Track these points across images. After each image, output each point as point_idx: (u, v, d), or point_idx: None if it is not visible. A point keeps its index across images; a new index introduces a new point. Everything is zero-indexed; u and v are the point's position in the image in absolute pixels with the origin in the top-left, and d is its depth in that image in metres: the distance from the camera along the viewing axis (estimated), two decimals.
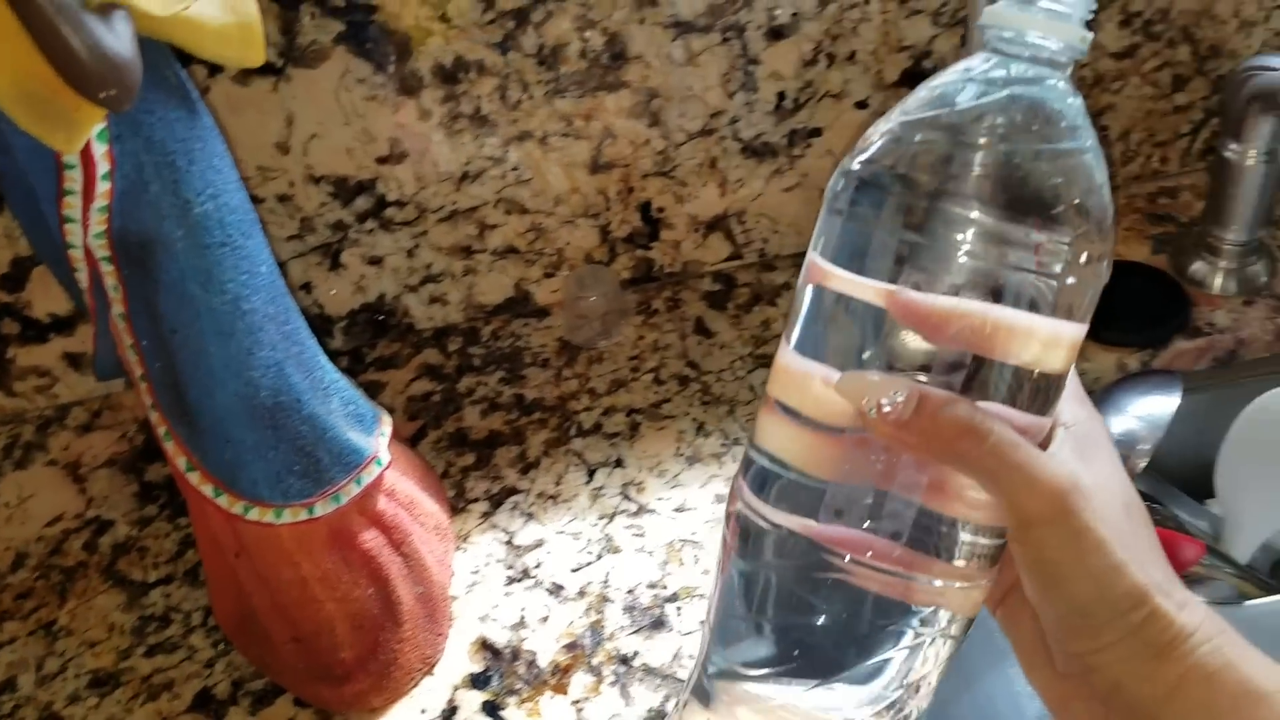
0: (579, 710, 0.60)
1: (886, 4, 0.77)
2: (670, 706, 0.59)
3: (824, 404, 0.35)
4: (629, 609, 0.65)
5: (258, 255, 0.52)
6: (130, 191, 0.47)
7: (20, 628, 0.69)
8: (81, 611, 0.70)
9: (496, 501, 0.73)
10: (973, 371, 0.33)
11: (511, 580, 0.68)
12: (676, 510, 0.71)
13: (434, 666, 0.63)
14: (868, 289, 0.34)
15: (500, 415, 0.80)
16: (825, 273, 0.35)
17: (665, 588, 0.66)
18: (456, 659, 0.64)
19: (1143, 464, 0.73)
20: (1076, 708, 0.37)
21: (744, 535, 0.37)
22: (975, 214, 0.32)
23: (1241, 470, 0.75)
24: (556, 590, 0.67)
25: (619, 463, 0.75)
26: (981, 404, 0.33)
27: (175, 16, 0.44)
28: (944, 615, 0.36)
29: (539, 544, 0.70)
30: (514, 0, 0.73)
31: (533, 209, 0.83)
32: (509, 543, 0.70)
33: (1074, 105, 0.34)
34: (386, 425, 0.63)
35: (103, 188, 0.46)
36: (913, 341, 0.34)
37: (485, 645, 0.64)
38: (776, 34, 0.77)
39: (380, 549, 0.60)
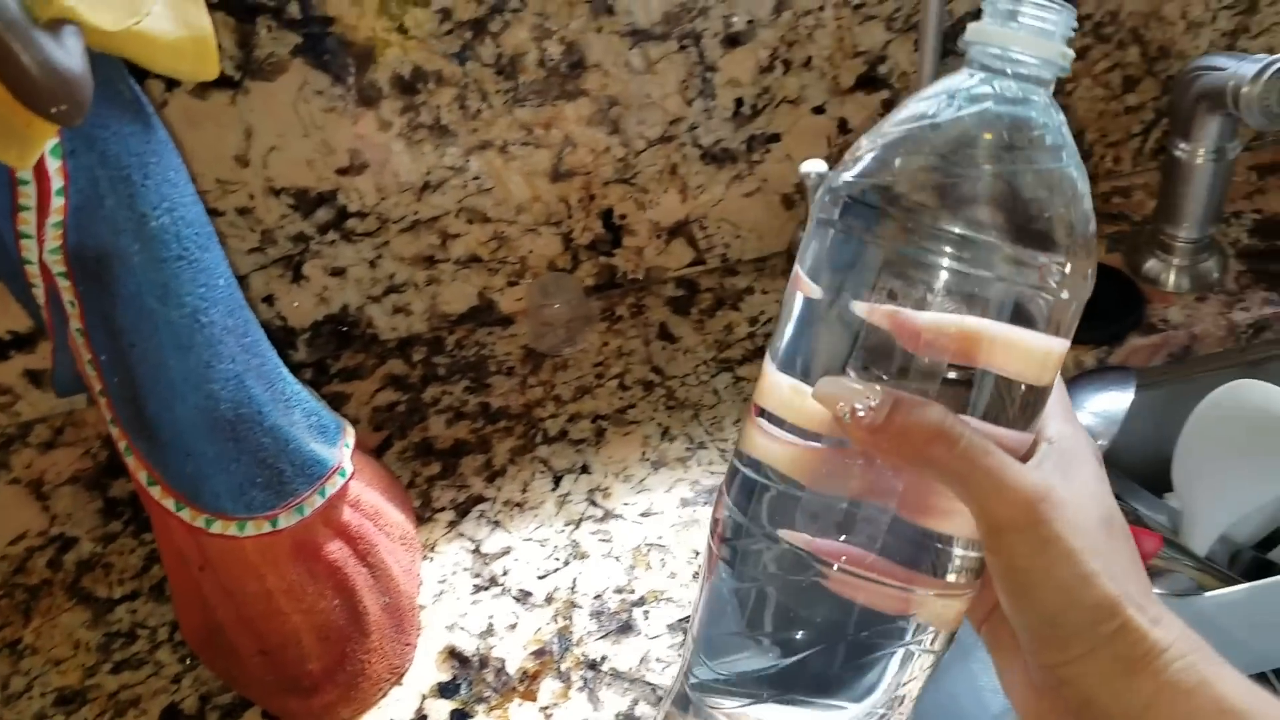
0: (548, 716, 0.60)
1: (840, 10, 0.78)
2: (639, 711, 0.60)
3: (805, 412, 0.35)
4: (596, 614, 0.65)
5: (215, 268, 0.52)
6: (85, 206, 0.47)
7: None
8: (46, 629, 0.69)
9: (463, 510, 0.73)
10: (957, 384, 0.34)
11: (479, 588, 0.68)
12: (643, 515, 0.71)
13: (402, 676, 0.64)
14: (854, 303, 0.34)
15: (466, 424, 0.80)
16: (809, 285, 0.36)
17: (633, 592, 0.66)
18: (425, 668, 0.64)
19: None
20: None
21: (728, 544, 0.38)
22: (965, 231, 0.32)
23: (1198, 464, 0.76)
24: (524, 597, 0.67)
25: (585, 469, 0.75)
26: (962, 418, 0.34)
27: (127, 31, 0.44)
28: (929, 631, 0.36)
29: (506, 551, 0.70)
30: (471, 11, 0.73)
31: (495, 218, 0.83)
32: (476, 551, 0.70)
33: (1057, 122, 0.35)
34: (350, 436, 0.63)
35: (57, 203, 0.46)
36: (896, 353, 0.34)
37: (453, 654, 0.64)
38: (733, 41, 0.78)
39: (345, 560, 0.60)
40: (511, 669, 0.63)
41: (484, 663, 0.63)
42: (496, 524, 0.72)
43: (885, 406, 0.33)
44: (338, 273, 0.83)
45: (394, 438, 0.80)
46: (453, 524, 0.72)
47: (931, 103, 0.35)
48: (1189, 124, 0.74)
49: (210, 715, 0.63)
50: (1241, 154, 0.90)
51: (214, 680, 0.65)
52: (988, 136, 0.34)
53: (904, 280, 0.33)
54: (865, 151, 0.35)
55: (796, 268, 0.37)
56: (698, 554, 0.68)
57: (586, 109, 0.79)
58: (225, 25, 0.70)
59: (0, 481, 0.81)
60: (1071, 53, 0.35)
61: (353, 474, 0.61)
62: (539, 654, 0.63)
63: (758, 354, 0.82)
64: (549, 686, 0.62)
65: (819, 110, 0.83)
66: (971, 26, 0.35)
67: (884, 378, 0.34)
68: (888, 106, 0.84)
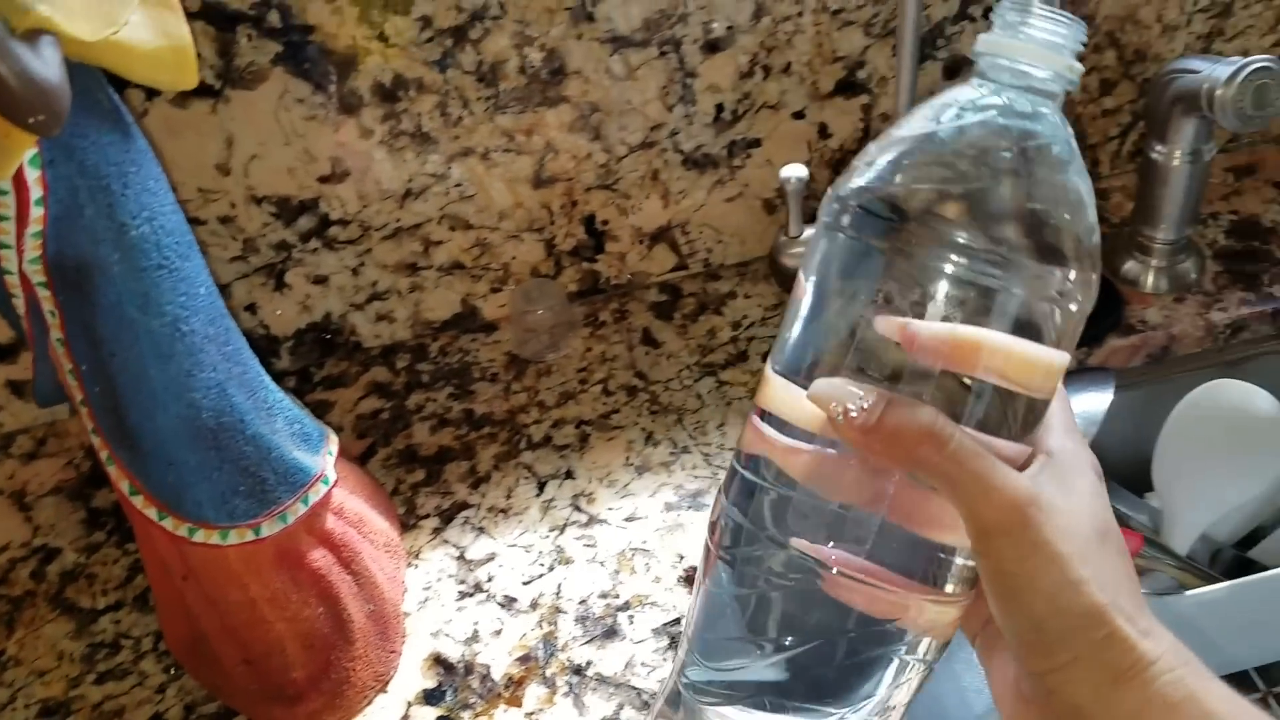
0: None
1: (819, 16, 0.78)
2: (624, 716, 0.60)
3: (804, 413, 0.35)
4: (581, 619, 0.66)
5: (196, 277, 0.52)
6: (65, 216, 0.47)
7: None
8: (30, 641, 0.69)
9: (447, 517, 0.73)
10: (955, 392, 0.34)
11: (464, 595, 0.68)
12: (627, 519, 0.71)
13: (387, 683, 0.64)
14: (859, 311, 0.34)
15: (450, 431, 0.80)
16: (813, 289, 0.36)
17: (617, 597, 0.66)
18: (410, 675, 0.64)
19: None
20: None
21: (726, 546, 0.38)
22: (973, 242, 0.33)
23: (1177, 464, 0.77)
24: (509, 603, 0.67)
25: (569, 474, 0.75)
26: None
27: (105, 41, 0.44)
28: (923, 640, 0.36)
29: (491, 558, 0.70)
30: (451, 18, 0.73)
31: (477, 224, 0.83)
32: (460, 557, 0.70)
33: (1065, 134, 0.35)
34: (333, 444, 0.63)
35: (37, 213, 0.46)
36: (892, 358, 0.34)
37: (438, 660, 0.64)
38: (712, 47, 0.78)
39: (329, 568, 0.60)
40: (497, 675, 0.63)
41: (469, 669, 0.63)
42: (481, 530, 0.72)
43: (878, 407, 0.33)
44: (320, 281, 0.83)
45: (378, 445, 0.80)
46: (437, 530, 0.72)
47: (940, 113, 0.35)
48: (1165, 127, 0.75)
49: None
50: (1218, 156, 0.91)
51: (198, 690, 0.65)
52: (996, 148, 0.34)
53: (909, 289, 0.33)
54: (874, 159, 0.35)
55: (801, 271, 0.37)
56: (682, 558, 0.68)
57: (568, 115, 0.80)
58: (205, 34, 0.70)
59: None
60: (1080, 66, 0.35)
61: (336, 481, 0.61)
62: (524, 660, 0.64)
63: (741, 358, 0.82)
64: (534, 692, 0.62)
65: (799, 115, 0.83)
66: (981, 37, 0.35)
67: (881, 382, 0.34)
68: (867, 111, 0.84)
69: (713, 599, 0.39)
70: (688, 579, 0.67)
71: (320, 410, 0.83)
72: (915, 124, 0.35)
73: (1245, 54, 0.70)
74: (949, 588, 0.36)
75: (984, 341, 0.33)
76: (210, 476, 0.54)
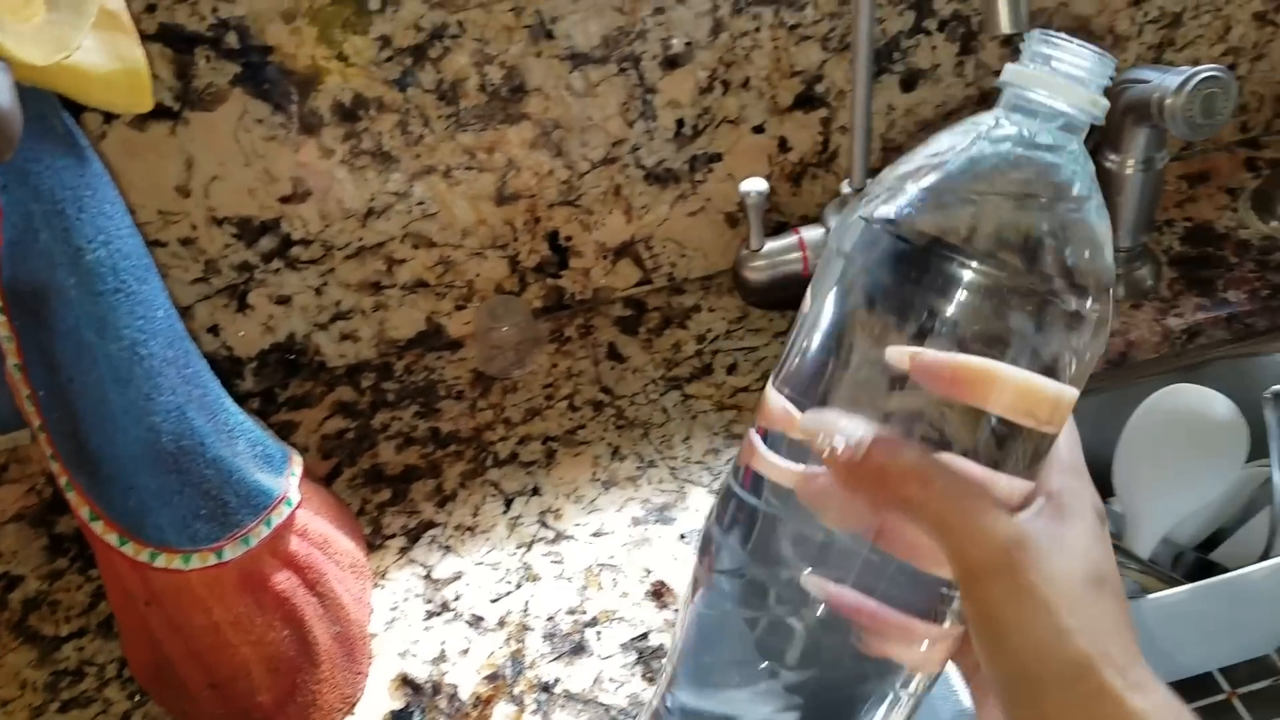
0: None
1: (776, 31, 0.79)
2: None
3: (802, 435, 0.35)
4: (549, 636, 0.66)
5: (154, 300, 0.51)
6: (20, 241, 0.46)
7: None
8: None
9: (414, 536, 0.73)
10: (962, 426, 0.33)
11: (431, 614, 0.68)
12: (594, 535, 0.72)
13: (354, 706, 0.63)
14: (867, 336, 0.34)
15: (415, 449, 0.80)
16: (821, 309, 0.35)
17: (585, 613, 0.67)
18: (377, 697, 0.64)
19: None
20: None
21: (717, 568, 0.37)
22: (992, 275, 0.32)
23: (1137, 468, 0.78)
24: (476, 622, 0.67)
25: (536, 491, 0.75)
26: (954, 459, 0.33)
27: (58, 66, 0.44)
28: (918, 676, 0.36)
29: (458, 576, 0.70)
30: (410, 37, 0.73)
31: (440, 242, 0.83)
32: (427, 576, 0.70)
33: (1088, 171, 0.34)
34: (297, 465, 0.63)
35: None
36: (900, 389, 0.33)
37: (406, 681, 0.64)
38: (672, 63, 0.79)
39: (294, 590, 0.60)
40: (464, 695, 0.63)
41: (436, 689, 0.63)
42: (448, 549, 0.72)
43: (864, 444, 0.32)
44: (283, 301, 0.83)
45: (343, 465, 0.79)
46: (404, 550, 0.72)
47: (961, 142, 0.35)
48: (1118, 136, 0.76)
49: None
50: (1172, 163, 0.93)
51: (164, 716, 0.64)
52: (1019, 182, 0.34)
53: (920, 317, 0.33)
54: (893, 187, 0.35)
55: (810, 290, 0.36)
56: (649, 572, 0.68)
57: (529, 132, 0.80)
58: (163, 56, 0.70)
59: None
60: (1106, 102, 0.34)
61: (300, 503, 0.61)
62: (492, 678, 0.63)
63: (706, 371, 0.83)
64: (502, 711, 0.62)
65: (759, 129, 0.84)
66: (1008, 68, 0.35)
67: (882, 411, 0.34)
68: (826, 124, 0.85)
69: (703, 623, 0.38)
70: (655, 594, 0.67)
71: (285, 431, 0.83)
72: (935, 152, 0.35)
73: (1195, 63, 0.71)
74: (947, 623, 0.35)
75: (995, 374, 0.32)
76: (171, 501, 0.54)
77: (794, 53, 0.81)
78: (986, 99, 0.85)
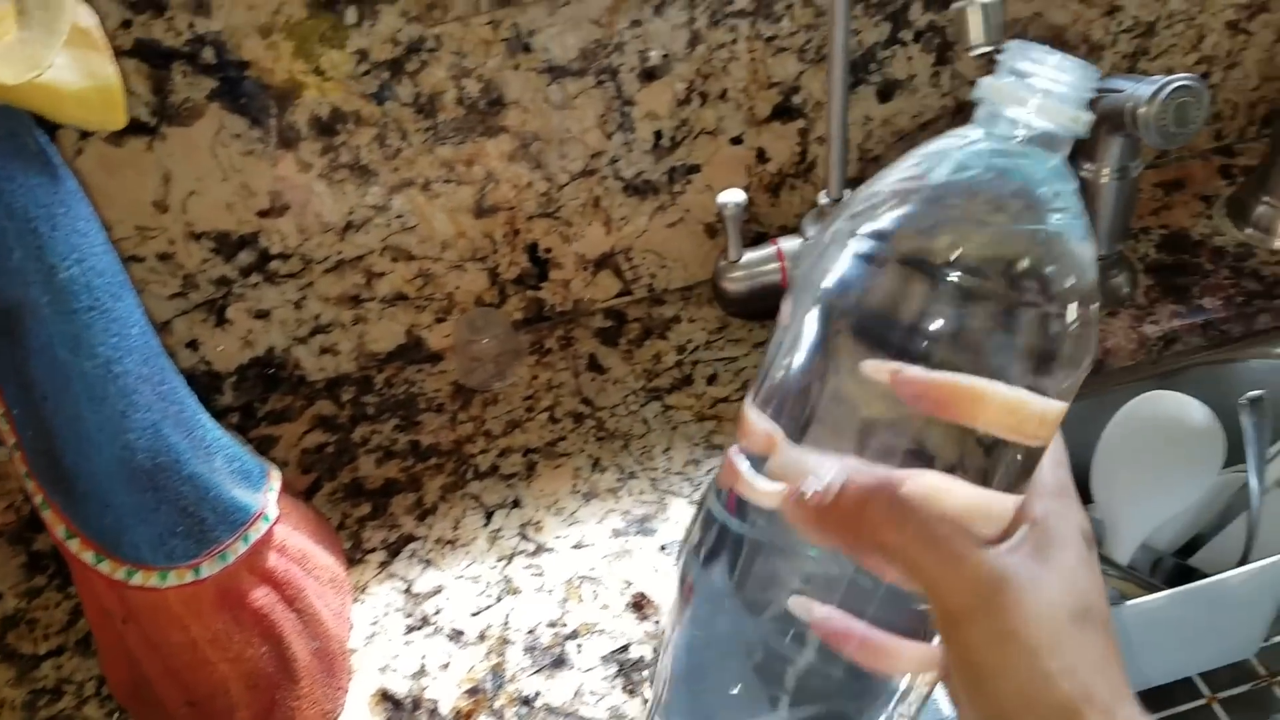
0: None
1: (753, 43, 0.79)
2: None
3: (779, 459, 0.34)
4: (530, 649, 0.65)
5: (128, 317, 0.51)
6: None
7: None
8: None
9: (394, 550, 0.73)
10: (944, 444, 0.33)
11: (411, 629, 0.68)
12: (575, 547, 0.72)
13: None
14: (844, 353, 0.33)
15: (396, 463, 0.80)
16: (799, 326, 0.35)
17: (565, 625, 0.66)
18: (357, 712, 0.63)
19: None
20: None
21: (700, 592, 0.37)
22: (978, 290, 0.31)
23: (1115, 475, 0.78)
24: (456, 636, 0.67)
25: (516, 503, 0.75)
26: (940, 477, 0.32)
27: (30, 84, 0.44)
28: (910, 694, 0.36)
29: (438, 590, 0.70)
30: (387, 51, 0.73)
31: (420, 255, 0.83)
32: (407, 591, 0.70)
33: (1067, 185, 0.33)
34: (275, 480, 0.63)
35: None
36: (878, 406, 0.33)
37: (386, 696, 0.64)
38: (649, 75, 0.79)
39: (272, 606, 0.60)
40: (445, 709, 0.63)
41: (417, 704, 0.63)
42: (428, 563, 0.72)
43: (834, 487, 0.32)
44: (262, 315, 0.83)
45: (323, 479, 0.79)
46: (384, 564, 0.72)
47: (937, 161, 0.34)
48: (1092, 145, 0.77)
49: None
50: (1148, 171, 0.94)
51: None
52: (995, 200, 0.33)
53: (900, 335, 0.32)
54: (871, 204, 0.34)
55: (786, 303, 0.35)
56: (630, 584, 0.68)
57: (507, 145, 0.80)
58: (139, 72, 0.70)
59: None
60: (1088, 116, 0.33)
61: (278, 518, 0.61)
62: (472, 693, 0.63)
63: (686, 382, 0.83)
64: None
65: (737, 140, 0.84)
66: (983, 82, 0.34)
67: (859, 427, 0.33)
68: (804, 135, 0.85)
69: (693, 648, 0.38)
70: (635, 605, 0.67)
71: (264, 446, 0.83)
72: (913, 171, 0.34)
73: (1169, 72, 0.71)
74: (936, 640, 0.35)
75: (980, 390, 0.32)
76: (147, 518, 0.54)
77: (771, 64, 0.81)
78: (963, 109, 0.86)
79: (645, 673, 0.63)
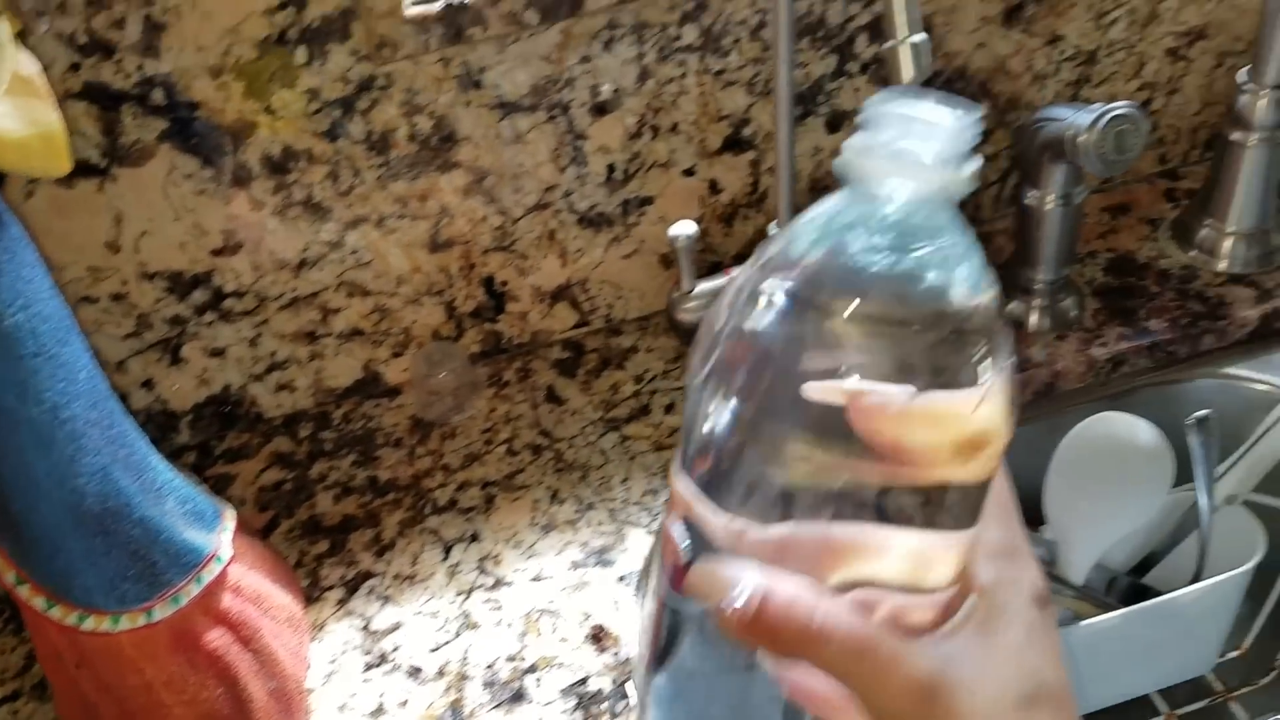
0: None
1: (702, 77, 0.81)
2: None
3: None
4: (489, 684, 0.65)
5: (75, 362, 0.51)
6: None
7: None
8: None
9: (352, 587, 0.73)
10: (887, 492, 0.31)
11: (369, 666, 0.68)
12: (533, 580, 0.72)
13: None
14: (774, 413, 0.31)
15: (354, 499, 0.80)
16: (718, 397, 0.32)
17: (524, 659, 0.67)
18: None
19: None
20: None
21: (669, 671, 0.36)
22: (880, 346, 0.30)
23: (1067, 496, 0.79)
24: (415, 672, 0.67)
25: (475, 537, 0.75)
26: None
27: None
28: None
29: (396, 627, 0.70)
30: (338, 90, 0.74)
31: (375, 290, 0.84)
32: (365, 628, 0.70)
33: (951, 240, 0.31)
34: (230, 520, 0.63)
35: None
36: (824, 460, 0.31)
37: None
38: (600, 110, 0.80)
39: (228, 647, 0.60)
40: None
41: None
42: (387, 599, 0.72)
43: (754, 601, 0.30)
44: (217, 353, 0.83)
45: (281, 517, 0.79)
46: (342, 602, 0.72)
47: (814, 231, 0.32)
48: (1036, 172, 0.78)
49: None
50: (1094, 195, 0.96)
51: None
52: (875, 274, 0.30)
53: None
54: (781, 254, 0.32)
55: (695, 360, 0.33)
56: (588, 616, 0.69)
57: (461, 180, 0.80)
58: (89, 114, 0.70)
59: None
60: (975, 163, 0.30)
61: (232, 558, 0.61)
62: None
63: (643, 412, 0.83)
64: None
65: (689, 173, 0.85)
66: (848, 146, 0.31)
67: (790, 485, 0.31)
68: (755, 166, 0.87)
69: (662, 697, 0.37)
70: (594, 637, 0.67)
71: (221, 484, 0.82)
72: (796, 237, 0.32)
73: (1112, 99, 0.73)
74: None
75: (937, 409, 0.30)
76: (98, 562, 0.54)
77: (720, 97, 0.82)
78: None
79: (604, 705, 0.63)
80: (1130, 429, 0.79)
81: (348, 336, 0.85)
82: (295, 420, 0.87)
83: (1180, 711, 0.82)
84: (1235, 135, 0.83)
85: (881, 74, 0.84)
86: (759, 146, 0.86)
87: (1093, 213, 0.94)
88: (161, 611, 0.56)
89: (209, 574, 0.58)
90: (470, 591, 0.71)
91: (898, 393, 0.30)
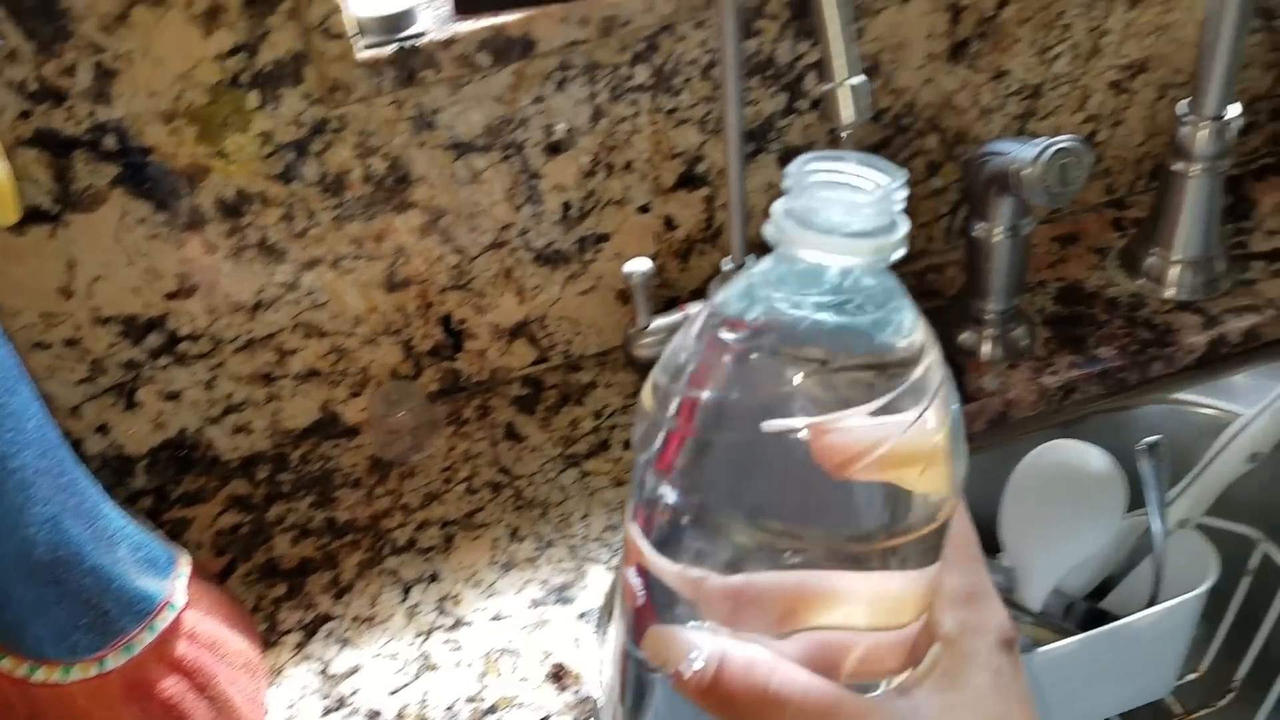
0: None
1: (655, 116, 0.81)
2: None
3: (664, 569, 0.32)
4: None
5: (24, 411, 0.51)
6: None
7: None
8: None
9: (310, 631, 0.72)
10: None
11: (328, 710, 0.67)
12: (493, 619, 0.71)
13: None
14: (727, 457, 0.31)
15: (311, 541, 0.79)
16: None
17: (484, 700, 0.66)
18: None
19: None
20: None
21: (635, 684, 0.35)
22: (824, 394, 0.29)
23: (1022, 524, 0.80)
24: (374, 716, 0.66)
25: (434, 577, 0.75)
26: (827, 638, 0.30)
27: None
28: None
29: (355, 670, 0.69)
30: (292, 133, 0.74)
31: (332, 331, 0.84)
32: (324, 672, 0.69)
33: (882, 299, 0.30)
34: (185, 566, 0.63)
35: None
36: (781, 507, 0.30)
37: None
38: (555, 149, 0.81)
39: (183, 695, 0.59)
40: None
41: None
42: (345, 642, 0.71)
43: (710, 667, 0.30)
44: (173, 396, 0.82)
45: (238, 561, 0.78)
46: (300, 646, 0.71)
47: (740, 297, 0.31)
48: (984, 205, 0.79)
49: None
50: (1043, 225, 0.97)
51: None
52: (808, 339, 0.30)
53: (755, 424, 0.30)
54: (714, 325, 0.31)
55: (645, 397, 0.33)
56: (548, 655, 0.68)
57: (417, 220, 0.81)
58: (40, 161, 0.70)
59: None
60: (902, 227, 0.29)
61: (187, 605, 0.60)
62: None
63: (603, 447, 0.84)
64: None
65: (644, 209, 0.86)
66: (774, 210, 0.30)
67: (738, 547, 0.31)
68: (709, 202, 0.87)
69: None
70: (555, 676, 0.67)
71: (178, 528, 0.82)
72: (729, 298, 0.31)
73: (1058, 131, 0.75)
74: None
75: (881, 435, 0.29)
76: (49, 612, 0.53)
77: (673, 135, 0.83)
78: None
79: None
80: (1082, 456, 0.80)
81: (305, 377, 0.85)
82: (252, 462, 0.87)
83: None
84: (1177, 166, 0.85)
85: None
86: (713, 183, 0.87)
87: (1042, 242, 0.96)
88: (114, 661, 0.55)
89: (162, 621, 0.58)
90: (429, 632, 0.71)
91: (853, 414, 0.29)
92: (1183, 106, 0.84)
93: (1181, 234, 0.88)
